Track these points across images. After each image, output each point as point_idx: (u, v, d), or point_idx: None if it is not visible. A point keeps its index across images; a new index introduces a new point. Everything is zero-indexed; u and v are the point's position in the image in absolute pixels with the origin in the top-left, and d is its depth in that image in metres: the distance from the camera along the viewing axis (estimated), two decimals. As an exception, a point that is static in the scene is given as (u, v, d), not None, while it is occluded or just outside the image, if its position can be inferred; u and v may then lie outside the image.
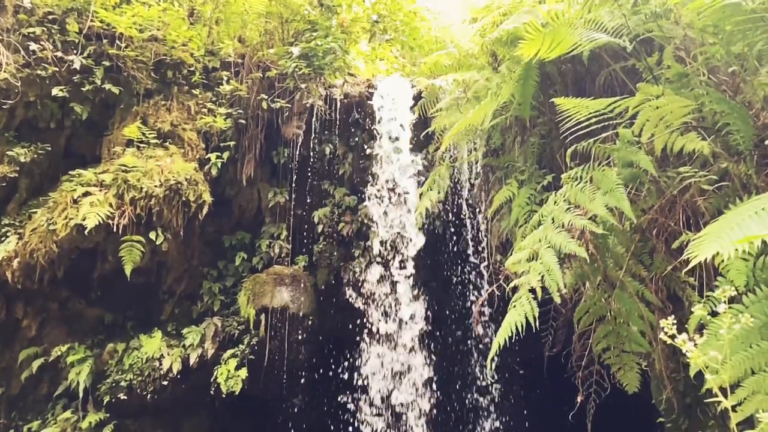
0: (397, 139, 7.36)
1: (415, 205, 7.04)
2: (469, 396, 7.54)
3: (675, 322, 1.69)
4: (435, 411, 7.00)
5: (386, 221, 7.19)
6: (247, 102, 7.24)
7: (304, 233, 7.50)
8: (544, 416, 6.44)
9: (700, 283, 3.21)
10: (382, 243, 7.16)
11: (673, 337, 1.66)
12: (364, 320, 7.09)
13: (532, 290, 3.05)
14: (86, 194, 6.07)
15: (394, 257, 7.15)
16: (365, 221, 7.25)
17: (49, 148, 6.56)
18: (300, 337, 6.89)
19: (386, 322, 7.02)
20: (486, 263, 6.67)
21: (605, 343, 3.57)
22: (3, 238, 6.22)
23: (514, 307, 3.09)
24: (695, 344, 1.65)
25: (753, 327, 1.92)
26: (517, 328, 2.98)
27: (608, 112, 3.14)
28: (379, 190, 7.29)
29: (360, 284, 7.20)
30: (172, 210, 6.34)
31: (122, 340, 6.76)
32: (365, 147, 7.52)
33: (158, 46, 7.00)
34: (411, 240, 7.14)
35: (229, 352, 6.74)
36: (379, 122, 7.42)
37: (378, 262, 7.17)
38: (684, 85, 3.32)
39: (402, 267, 7.11)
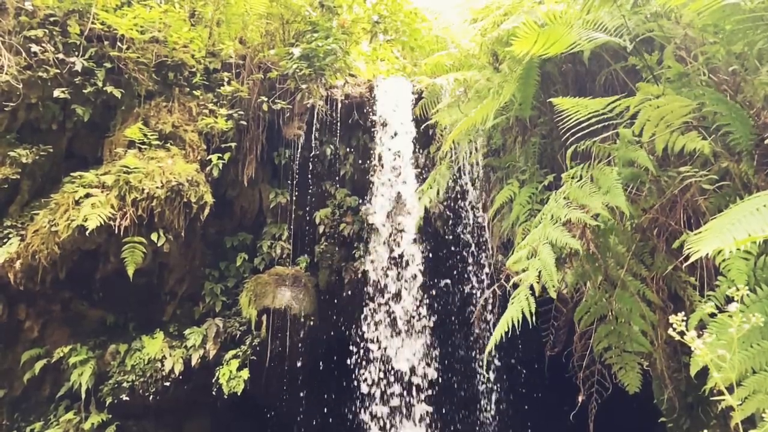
0: (398, 138, 7.36)
1: (415, 205, 7.03)
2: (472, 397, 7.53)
3: (684, 319, 1.68)
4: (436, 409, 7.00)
5: (386, 221, 7.18)
6: (248, 103, 7.24)
7: (306, 234, 7.51)
8: (544, 416, 6.43)
9: (701, 283, 3.20)
10: (382, 242, 7.16)
11: (682, 333, 1.65)
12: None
13: (532, 288, 3.05)
14: (88, 195, 6.07)
15: (394, 256, 7.14)
16: (366, 221, 7.25)
17: (51, 150, 6.58)
18: (301, 338, 6.89)
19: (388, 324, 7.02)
20: (487, 264, 6.67)
21: (606, 342, 3.56)
22: (5, 240, 6.24)
23: (513, 303, 3.10)
24: (703, 342, 1.64)
25: (753, 326, 1.92)
26: (516, 326, 2.98)
27: (608, 111, 3.14)
28: (380, 189, 7.29)
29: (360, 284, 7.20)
30: (173, 211, 6.35)
31: (124, 341, 6.77)
32: (366, 147, 7.51)
33: (159, 48, 7.01)
34: (411, 238, 7.13)
35: (231, 352, 6.75)
36: (380, 122, 7.42)
37: (378, 261, 7.17)
38: (684, 84, 3.32)
39: (402, 266, 7.10)
